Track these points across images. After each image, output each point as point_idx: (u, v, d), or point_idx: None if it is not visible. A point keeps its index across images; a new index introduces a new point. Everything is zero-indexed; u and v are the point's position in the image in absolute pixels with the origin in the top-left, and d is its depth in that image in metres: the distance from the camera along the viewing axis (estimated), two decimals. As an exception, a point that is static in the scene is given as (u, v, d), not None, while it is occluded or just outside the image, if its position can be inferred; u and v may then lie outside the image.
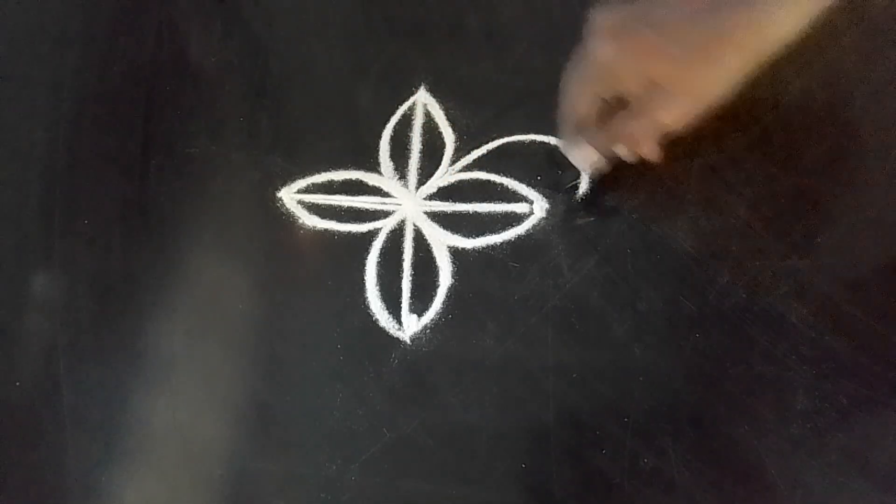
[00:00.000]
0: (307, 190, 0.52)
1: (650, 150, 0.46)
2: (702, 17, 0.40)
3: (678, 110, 0.42)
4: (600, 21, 0.42)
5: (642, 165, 0.47)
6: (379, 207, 0.51)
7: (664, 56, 0.40)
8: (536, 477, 0.43)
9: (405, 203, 0.51)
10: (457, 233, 0.50)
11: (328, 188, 0.52)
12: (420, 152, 0.52)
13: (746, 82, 0.41)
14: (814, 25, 0.40)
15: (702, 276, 0.48)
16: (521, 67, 0.55)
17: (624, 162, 0.48)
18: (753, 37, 0.39)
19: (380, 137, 0.53)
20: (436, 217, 0.50)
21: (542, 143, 0.52)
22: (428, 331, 0.47)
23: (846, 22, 0.54)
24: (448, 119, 0.53)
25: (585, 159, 0.47)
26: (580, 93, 0.45)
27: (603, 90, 0.44)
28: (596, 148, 0.46)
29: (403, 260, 0.49)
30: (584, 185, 0.51)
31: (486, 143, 0.52)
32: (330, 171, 0.52)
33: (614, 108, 0.46)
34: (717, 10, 0.40)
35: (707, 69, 0.40)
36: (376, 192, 0.51)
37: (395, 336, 0.47)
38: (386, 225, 0.50)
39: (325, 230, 0.50)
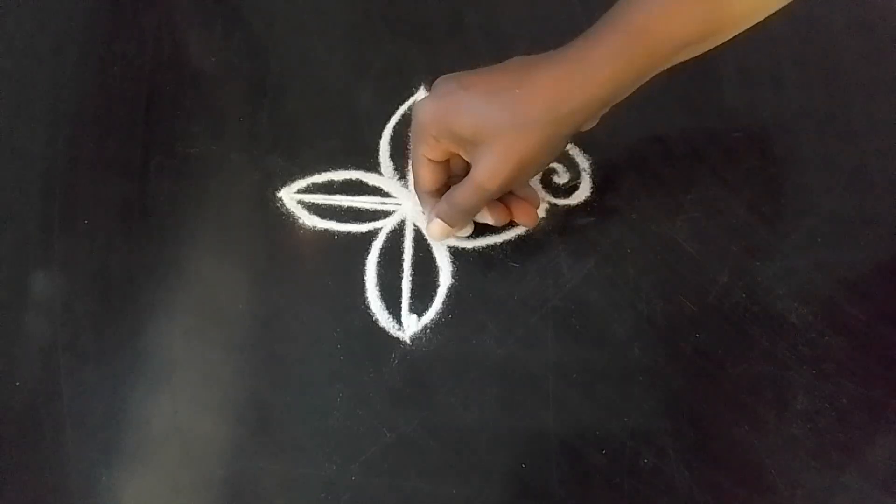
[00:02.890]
0: (307, 190, 0.52)
1: (496, 215, 0.46)
2: (514, 78, 0.40)
3: (490, 169, 0.41)
4: (433, 85, 0.43)
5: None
6: (379, 207, 0.51)
7: (470, 115, 0.40)
8: (536, 477, 0.43)
9: (405, 203, 0.51)
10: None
11: (328, 188, 0.52)
12: (420, 152, 0.52)
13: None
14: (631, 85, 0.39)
15: (702, 276, 0.48)
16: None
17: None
18: (561, 94, 0.39)
19: (380, 137, 0.53)
20: (436, 217, 0.50)
21: (542, 143, 0.52)
22: (428, 331, 0.47)
23: (846, 22, 0.54)
24: (448, 119, 0.53)
25: (434, 232, 0.47)
26: (413, 157, 0.45)
27: (429, 153, 0.44)
28: (440, 217, 0.46)
29: (403, 260, 0.49)
30: (584, 186, 0.51)
31: (486, 143, 0.52)
32: (330, 171, 0.52)
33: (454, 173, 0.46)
34: (529, 71, 0.39)
35: (515, 128, 0.39)
36: (376, 192, 0.51)
37: (395, 336, 0.47)
38: (386, 225, 0.50)
39: (325, 230, 0.50)
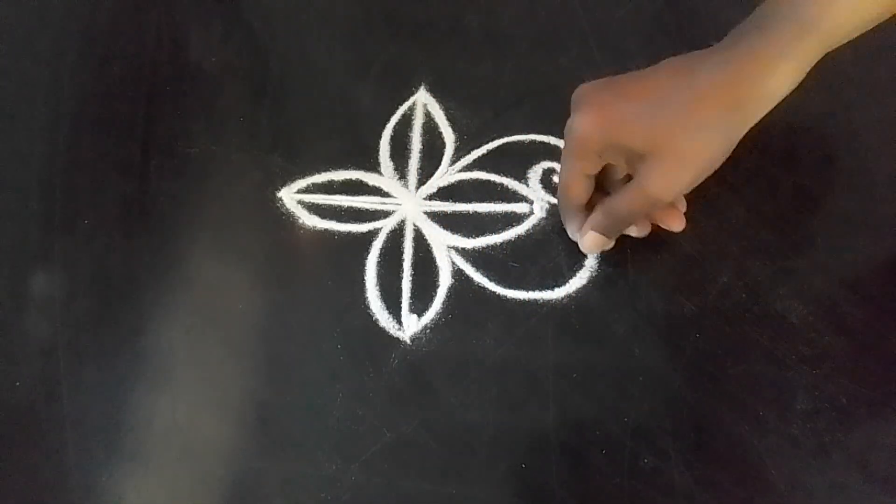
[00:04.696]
0: (307, 190, 0.52)
1: (643, 226, 0.45)
2: (681, 80, 0.38)
3: (665, 180, 0.39)
4: (578, 96, 0.41)
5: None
6: (379, 207, 0.51)
7: (640, 126, 0.38)
8: (536, 477, 0.43)
9: (405, 203, 0.51)
10: (457, 233, 0.50)
11: (328, 188, 0.52)
12: (420, 152, 0.52)
13: (739, 143, 0.39)
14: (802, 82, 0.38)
15: (702, 276, 0.48)
16: (521, 67, 0.55)
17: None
18: (740, 94, 0.37)
19: (380, 137, 0.53)
20: (436, 217, 0.50)
21: (542, 142, 0.52)
22: (428, 331, 0.47)
23: (846, 22, 0.54)
24: (448, 119, 0.53)
25: (590, 245, 0.46)
26: (569, 173, 0.43)
27: (589, 167, 0.42)
28: (596, 229, 0.45)
29: (403, 260, 0.49)
30: (584, 185, 0.51)
31: (486, 143, 0.52)
32: (330, 171, 0.52)
33: (607, 185, 0.45)
34: (696, 72, 0.38)
35: (692, 134, 0.38)
36: (376, 192, 0.51)
37: (395, 336, 0.47)
38: (386, 225, 0.50)
39: (325, 230, 0.50)
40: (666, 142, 0.38)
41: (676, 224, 0.45)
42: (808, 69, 0.38)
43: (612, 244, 0.47)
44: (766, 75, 0.37)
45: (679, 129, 0.38)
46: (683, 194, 0.43)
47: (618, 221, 0.44)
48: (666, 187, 0.39)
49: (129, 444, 0.45)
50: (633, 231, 0.46)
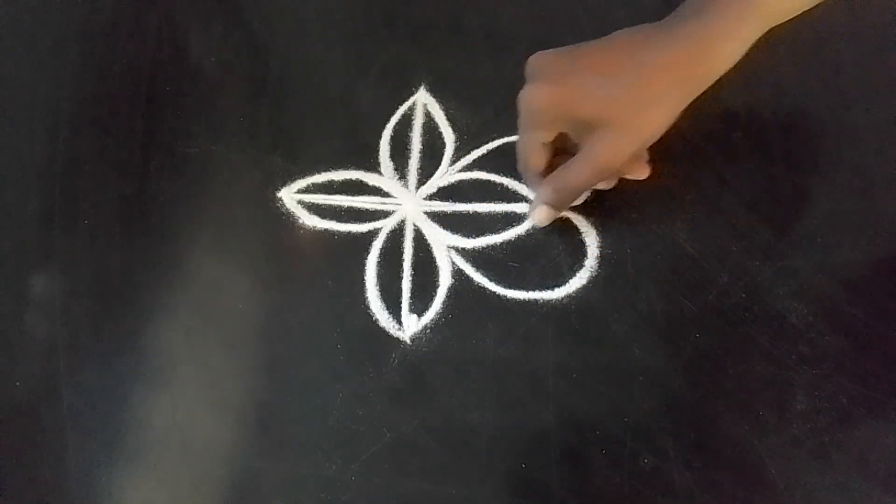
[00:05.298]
0: (307, 190, 0.52)
1: (607, 184, 0.46)
2: (633, 56, 0.40)
3: (613, 149, 0.41)
4: (534, 66, 0.42)
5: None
6: (379, 207, 0.51)
7: (594, 98, 0.40)
8: (536, 477, 0.43)
9: (405, 203, 0.51)
10: (457, 233, 0.50)
11: (328, 188, 0.52)
12: (420, 152, 0.52)
13: (686, 113, 0.40)
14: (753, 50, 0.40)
15: (702, 276, 0.48)
16: (521, 67, 0.55)
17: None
18: (688, 70, 0.39)
19: (380, 137, 0.53)
20: (436, 217, 0.50)
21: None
22: (428, 331, 0.47)
23: (845, 21, 0.54)
24: (448, 119, 0.53)
25: (542, 218, 0.47)
26: (526, 142, 0.45)
27: (545, 136, 0.43)
28: (548, 203, 0.45)
29: (403, 260, 0.49)
30: (584, 185, 0.51)
31: (486, 143, 0.52)
32: (330, 171, 0.52)
33: (568, 147, 0.45)
34: (647, 48, 0.39)
35: (641, 106, 0.40)
36: (376, 192, 0.51)
37: (395, 336, 0.47)
38: (386, 225, 0.50)
39: (325, 230, 0.50)
40: (616, 114, 0.40)
41: (642, 173, 0.46)
42: (750, 45, 0.40)
43: (580, 200, 0.47)
44: (711, 55, 0.39)
45: (629, 102, 0.40)
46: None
47: (568, 193, 0.45)
48: (614, 156, 0.41)
49: (129, 444, 0.45)
50: (602, 185, 0.47)
